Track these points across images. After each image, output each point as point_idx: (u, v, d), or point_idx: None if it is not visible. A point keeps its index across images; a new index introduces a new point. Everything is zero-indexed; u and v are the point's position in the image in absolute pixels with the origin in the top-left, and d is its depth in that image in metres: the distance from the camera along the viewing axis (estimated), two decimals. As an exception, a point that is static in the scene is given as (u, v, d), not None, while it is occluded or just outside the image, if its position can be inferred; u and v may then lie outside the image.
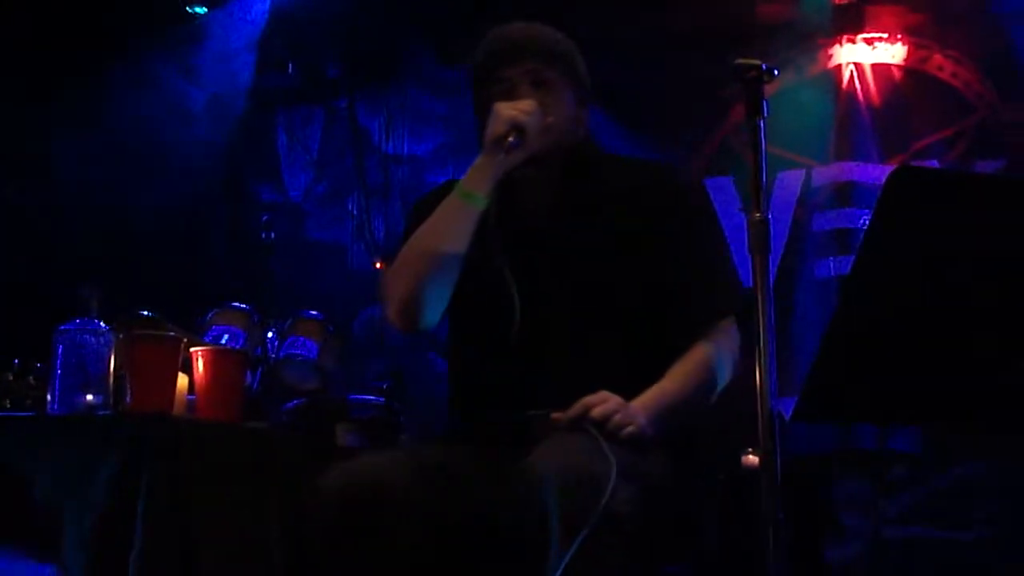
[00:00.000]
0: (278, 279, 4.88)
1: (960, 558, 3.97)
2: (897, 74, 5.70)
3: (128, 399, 2.96)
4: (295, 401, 3.72)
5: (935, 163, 5.47)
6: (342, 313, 5.74)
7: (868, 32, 5.73)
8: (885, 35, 5.71)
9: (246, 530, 2.82)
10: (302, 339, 4.21)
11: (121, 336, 3.01)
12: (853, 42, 5.75)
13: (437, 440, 2.68)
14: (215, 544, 2.74)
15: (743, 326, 2.57)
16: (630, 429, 2.31)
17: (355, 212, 6.36)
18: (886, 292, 1.97)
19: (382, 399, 4.01)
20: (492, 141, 2.49)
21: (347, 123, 6.38)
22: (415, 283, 2.51)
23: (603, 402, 2.33)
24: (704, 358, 2.53)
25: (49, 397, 2.94)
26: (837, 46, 5.77)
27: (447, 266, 2.51)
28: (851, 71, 5.72)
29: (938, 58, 5.62)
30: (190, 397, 3.15)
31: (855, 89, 5.70)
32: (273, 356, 4.13)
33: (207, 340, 3.80)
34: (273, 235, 4.79)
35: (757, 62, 2.15)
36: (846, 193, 5.65)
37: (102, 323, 2.99)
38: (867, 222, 1.95)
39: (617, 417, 2.31)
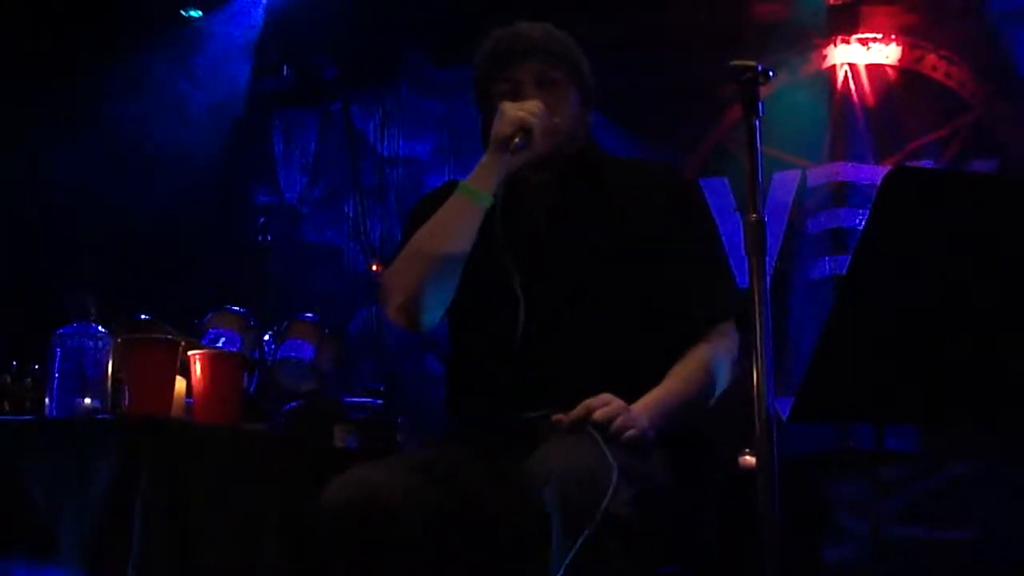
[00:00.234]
0: (274, 281, 4.88)
1: (958, 558, 3.97)
2: (892, 74, 5.70)
3: (126, 402, 2.96)
4: (292, 403, 3.73)
5: (930, 163, 5.47)
6: (338, 315, 5.74)
7: (863, 32, 5.73)
8: (880, 35, 5.72)
9: (244, 532, 2.82)
10: (298, 341, 4.22)
11: (119, 340, 3.02)
12: (848, 42, 5.75)
13: (436, 442, 2.68)
14: (213, 546, 2.75)
15: (742, 328, 2.58)
16: (632, 432, 2.31)
17: (351, 214, 6.36)
18: (882, 292, 1.98)
19: (378, 401, 4.02)
20: (498, 141, 2.49)
21: (342, 125, 6.38)
22: (418, 281, 2.51)
23: (605, 404, 2.33)
24: (704, 360, 2.53)
25: (47, 400, 2.95)
26: (832, 46, 5.77)
27: (451, 264, 2.51)
28: (846, 71, 5.73)
29: (932, 58, 5.63)
30: (188, 400, 3.16)
31: (850, 89, 5.71)
32: (269, 359, 4.14)
33: (204, 343, 3.80)
34: (269, 237, 4.80)
35: (753, 63, 2.15)
36: (841, 193, 5.65)
37: (100, 327, 2.99)
38: (862, 222, 1.96)
39: (619, 420, 2.31)
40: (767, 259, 2.12)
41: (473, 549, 2.37)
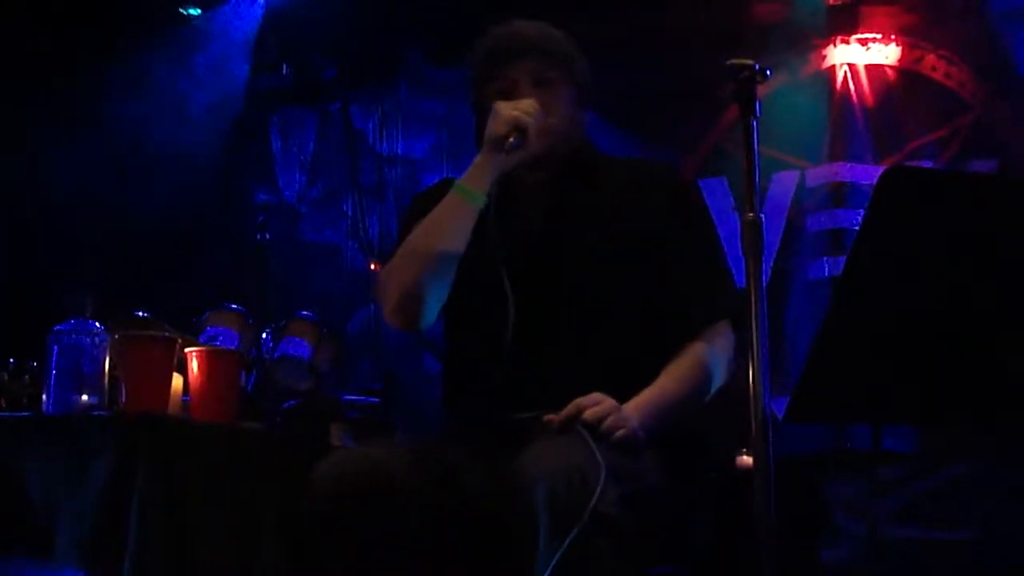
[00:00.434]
0: (273, 280, 4.88)
1: (956, 559, 3.97)
2: (891, 75, 5.70)
3: (122, 399, 2.96)
4: (289, 402, 3.73)
5: (929, 163, 5.47)
6: (337, 314, 5.74)
7: (862, 33, 5.73)
8: (879, 36, 5.71)
9: (241, 530, 2.82)
10: (296, 340, 4.22)
11: (116, 337, 3.01)
12: (847, 43, 5.75)
13: (433, 439, 2.68)
14: (209, 544, 2.74)
15: (738, 328, 2.58)
16: (622, 432, 2.31)
17: (349, 213, 6.36)
18: (877, 292, 1.98)
19: (376, 399, 4.02)
20: (492, 140, 2.49)
21: (341, 124, 6.38)
22: (412, 281, 2.51)
23: (596, 404, 2.33)
24: (699, 359, 2.53)
25: (44, 397, 2.95)
26: (831, 47, 5.77)
27: (445, 264, 2.51)
28: (845, 72, 5.72)
29: (932, 59, 5.62)
30: (185, 398, 3.16)
31: (849, 90, 5.70)
32: (267, 357, 4.13)
33: (202, 341, 3.80)
34: (268, 236, 4.79)
35: (750, 62, 2.15)
36: (840, 194, 5.65)
37: (97, 324, 2.99)
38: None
39: (609, 420, 2.31)
40: (766, 259, 2.12)
41: (465, 546, 2.37)
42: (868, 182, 5.54)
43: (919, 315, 2.00)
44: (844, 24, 5.75)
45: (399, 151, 6.44)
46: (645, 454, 2.37)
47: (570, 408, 2.32)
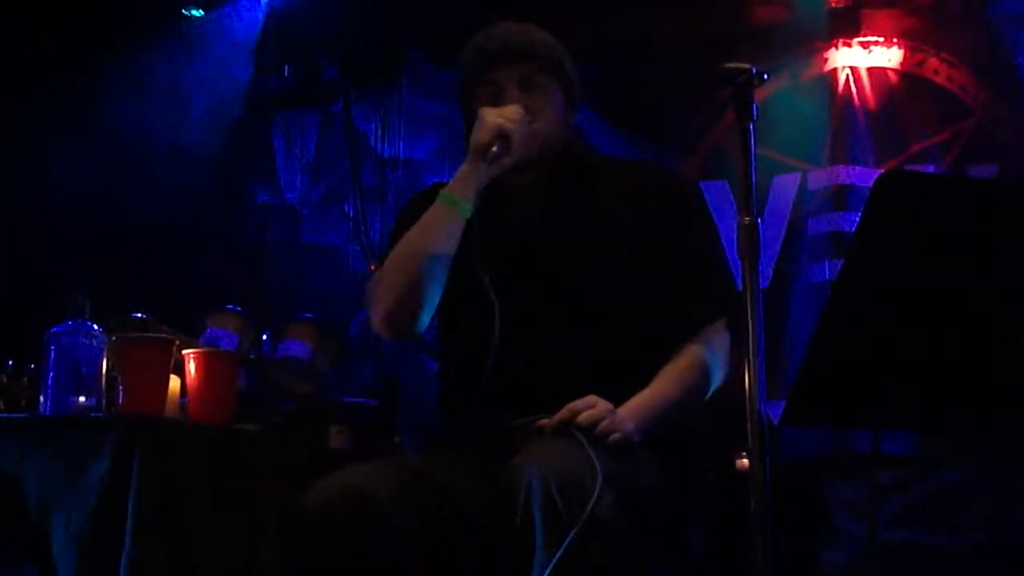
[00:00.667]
0: (274, 282, 4.88)
1: (955, 562, 3.97)
2: (893, 78, 5.69)
3: (120, 401, 2.96)
4: (289, 403, 3.73)
5: (931, 167, 5.46)
6: (338, 316, 5.73)
7: (864, 36, 5.71)
8: (881, 39, 5.70)
9: (237, 532, 2.82)
10: (296, 342, 4.22)
11: (113, 338, 3.02)
12: (849, 46, 5.73)
13: (427, 444, 2.68)
14: (206, 546, 2.74)
15: (735, 329, 2.57)
16: (617, 436, 2.31)
17: (351, 214, 6.36)
18: (872, 297, 1.98)
19: (376, 401, 4.02)
20: (476, 148, 2.48)
21: (343, 126, 6.37)
22: (400, 290, 2.50)
23: (590, 407, 2.33)
24: (694, 362, 2.52)
25: (41, 398, 2.95)
26: (833, 50, 5.75)
27: (432, 273, 2.50)
28: (847, 75, 5.71)
29: (934, 62, 5.61)
30: (182, 399, 3.16)
31: (851, 93, 5.69)
32: (267, 358, 4.13)
33: (201, 342, 3.80)
34: (269, 237, 4.79)
35: (747, 66, 2.14)
36: (841, 196, 5.64)
37: (95, 325, 2.99)
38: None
39: (604, 423, 2.31)
40: (767, 261, 2.12)
41: (459, 552, 2.36)
42: (869, 185, 5.50)
43: (914, 319, 2.00)
44: (846, 27, 5.73)
45: (401, 153, 6.44)
46: (641, 457, 2.37)
47: (564, 412, 2.32)
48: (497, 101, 2.54)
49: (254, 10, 6.14)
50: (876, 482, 4.13)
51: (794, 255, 5.67)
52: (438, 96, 6.25)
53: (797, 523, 3.98)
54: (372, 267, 5.73)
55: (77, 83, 5.74)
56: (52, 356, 2.94)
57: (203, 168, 6.08)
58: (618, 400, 2.39)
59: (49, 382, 2.93)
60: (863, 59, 5.70)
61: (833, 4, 5.72)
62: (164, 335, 3.18)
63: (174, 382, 3.11)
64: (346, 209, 6.43)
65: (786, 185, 5.74)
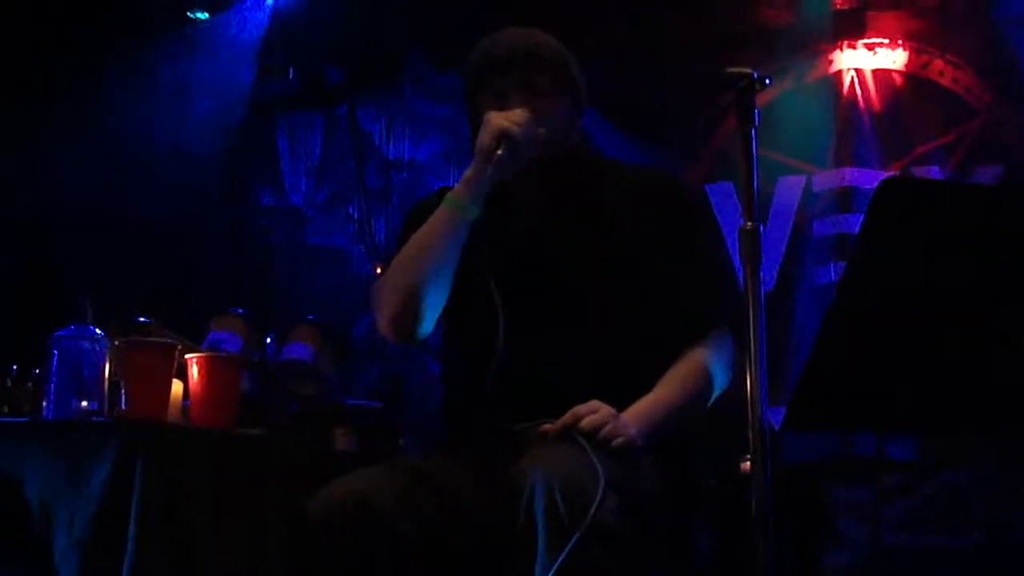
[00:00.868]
0: (278, 284, 4.88)
1: (955, 562, 3.96)
2: (898, 80, 5.68)
3: (122, 405, 2.97)
4: (294, 406, 3.73)
5: (935, 169, 5.46)
6: (342, 318, 5.74)
7: (869, 37, 5.71)
8: (886, 41, 5.70)
9: (241, 536, 2.82)
10: (300, 344, 4.22)
11: (116, 342, 3.02)
12: (854, 47, 5.73)
13: (432, 447, 2.68)
14: (209, 550, 2.75)
15: (740, 335, 2.56)
16: (620, 440, 2.30)
17: (356, 217, 6.36)
18: (873, 302, 1.97)
19: (380, 403, 4.02)
20: (482, 152, 2.48)
21: (348, 128, 6.37)
22: (405, 294, 2.50)
23: (593, 412, 2.32)
24: (698, 366, 2.52)
25: (44, 403, 2.96)
26: (838, 51, 5.75)
27: (437, 277, 2.50)
28: (852, 77, 5.71)
29: (939, 64, 5.61)
30: (185, 403, 3.16)
31: (856, 95, 5.69)
32: (271, 361, 4.13)
33: (205, 345, 3.81)
34: (273, 239, 4.80)
35: (748, 71, 2.14)
36: (846, 199, 5.63)
37: (97, 329, 3.00)
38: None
39: (607, 428, 2.30)
40: (772, 264, 2.12)
41: (462, 556, 2.36)
42: (874, 187, 5.50)
43: (914, 324, 2.00)
44: (851, 29, 5.73)
45: (406, 155, 6.44)
46: (644, 461, 2.36)
47: (567, 416, 2.32)
48: (501, 106, 2.54)
49: (258, 12, 6.15)
50: (879, 486, 4.12)
51: (799, 257, 5.66)
52: (440, 98, 6.25)
53: (799, 526, 3.97)
54: (377, 269, 5.74)
55: (81, 86, 5.75)
56: (55, 360, 2.94)
57: (207, 170, 6.09)
58: (622, 404, 2.38)
59: (52, 386, 2.94)
60: (868, 61, 5.70)
61: (838, 6, 5.72)
62: (167, 339, 3.18)
63: (177, 386, 3.11)
64: (350, 211, 6.44)
65: (791, 187, 5.73)
